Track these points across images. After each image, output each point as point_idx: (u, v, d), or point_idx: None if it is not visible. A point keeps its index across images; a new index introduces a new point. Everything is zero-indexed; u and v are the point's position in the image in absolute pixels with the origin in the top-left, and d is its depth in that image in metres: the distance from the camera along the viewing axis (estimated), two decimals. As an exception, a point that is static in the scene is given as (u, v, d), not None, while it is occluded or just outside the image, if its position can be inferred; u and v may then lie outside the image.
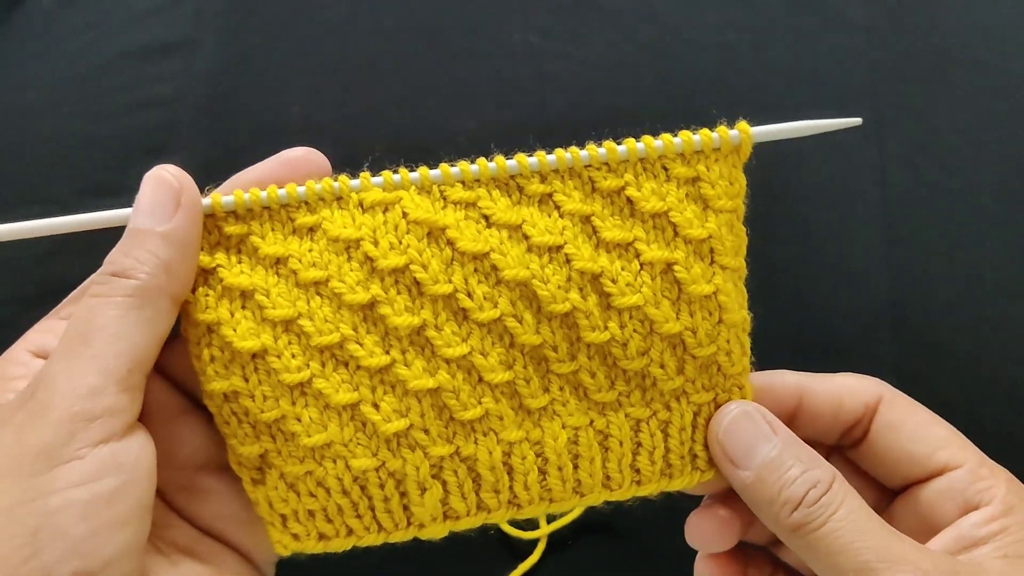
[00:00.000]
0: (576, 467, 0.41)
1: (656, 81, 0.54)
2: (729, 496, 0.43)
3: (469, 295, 0.39)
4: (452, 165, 0.40)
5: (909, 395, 0.44)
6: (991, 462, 0.42)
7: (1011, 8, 0.55)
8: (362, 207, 0.40)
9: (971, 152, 0.54)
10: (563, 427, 0.41)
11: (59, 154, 0.55)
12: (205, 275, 0.40)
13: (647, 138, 0.40)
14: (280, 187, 0.40)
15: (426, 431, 0.40)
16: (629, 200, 0.40)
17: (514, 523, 0.53)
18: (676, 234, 0.41)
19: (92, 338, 0.36)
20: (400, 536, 0.41)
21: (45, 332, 0.41)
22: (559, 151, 0.40)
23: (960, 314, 0.52)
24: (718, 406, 0.42)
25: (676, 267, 0.40)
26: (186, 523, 0.41)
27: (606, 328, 0.40)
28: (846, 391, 0.43)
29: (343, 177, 0.40)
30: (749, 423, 0.41)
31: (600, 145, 0.40)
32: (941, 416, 0.43)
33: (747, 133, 0.41)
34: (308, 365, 0.39)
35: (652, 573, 0.53)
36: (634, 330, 0.40)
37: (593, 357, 0.41)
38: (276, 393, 0.39)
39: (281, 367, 0.39)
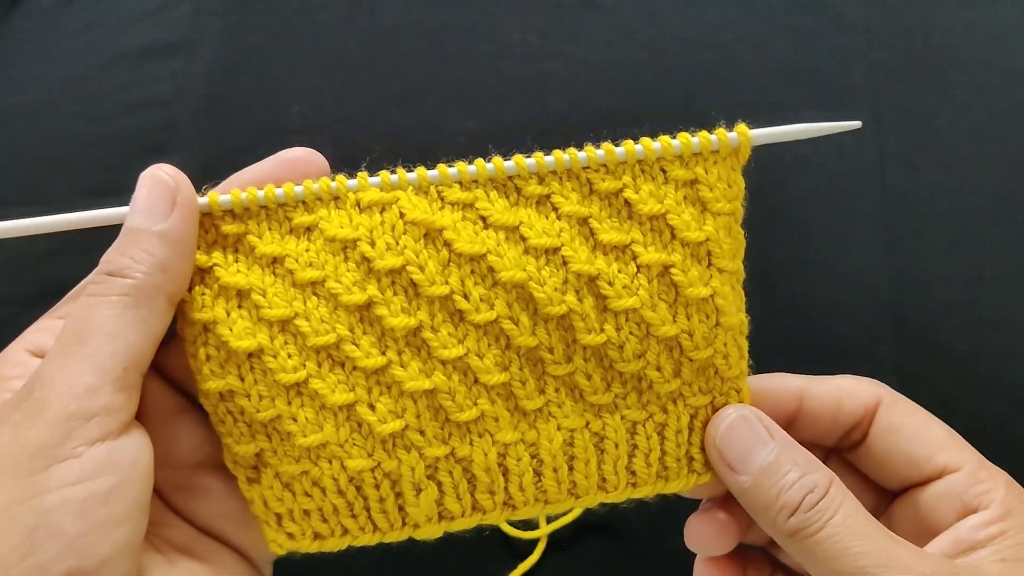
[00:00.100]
0: (571, 469, 0.41)
1: (655, 81, 0.54)
2: (728, 499, 0.43)
3: (466, 297, 0.39)
4: (450, 166, 0.40)
5: (909, 395, 0.44)
6: (990, 465, 0.42)
7: (1010, 8, 0.55)
8: (359, 207, 0.40)
9: (971, 152, 0.53)
10: (559, 429, 0.41)
11: (58, 154, 0.55)
12: (202, 274, 0.40)
13: (645, 140, 0.40)
14: (278, 187, 0.40)
15: (422, 432, 0.40)
16: (627, 202, 0.40)
17: (514, 523, 0.53)
18: (673, 236, 0.40)
19: (88, 337, 0.36)
20: (395, 536, 0.41)
21: (42, 331, 0.41)
22: (557, 152, 0.40)
23: (960, 314, 0.52)
24: (715, 409, 0.42)
25: (673, 270, 0.40)
26: (183, 522, 0.41)
27: (602, 330, 0.40)
28: (845, 394, 0.43)
29: (340, 177, 0.40)
30: (746, 428, 0.41)
31: (598, 147, 0.40)
32: (941, 416, 0.43)
33: (746, 136, 0.41)
34: (304, 365, 0.39)
35: (651, 573, 0.53)
36: (630, 333, 0.40)
37: (589, 359, 0.41)
38: (272, 393, 0.39)
39: (277, 367, 0.39)
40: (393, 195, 0.40)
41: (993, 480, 0.40)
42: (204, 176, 0.41)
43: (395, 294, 0.39)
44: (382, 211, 0.40)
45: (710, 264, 0.41)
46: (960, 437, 0.42)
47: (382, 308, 0.39)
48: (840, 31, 0.55)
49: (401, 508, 0.41)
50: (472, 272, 0.40)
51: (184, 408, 0.42)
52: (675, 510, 0.46)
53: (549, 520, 0.53)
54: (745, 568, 0.45)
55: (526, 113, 0.54)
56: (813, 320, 0.53)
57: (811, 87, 0.54)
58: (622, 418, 0.41)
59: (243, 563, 0.42)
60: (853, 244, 0.53)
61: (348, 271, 0.39)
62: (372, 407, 0.39)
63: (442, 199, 0.40)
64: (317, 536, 0.41)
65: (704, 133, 0.40)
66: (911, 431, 0.42)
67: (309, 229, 0.40)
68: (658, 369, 0.41)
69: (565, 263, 0.40)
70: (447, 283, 0.39)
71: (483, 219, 0.40)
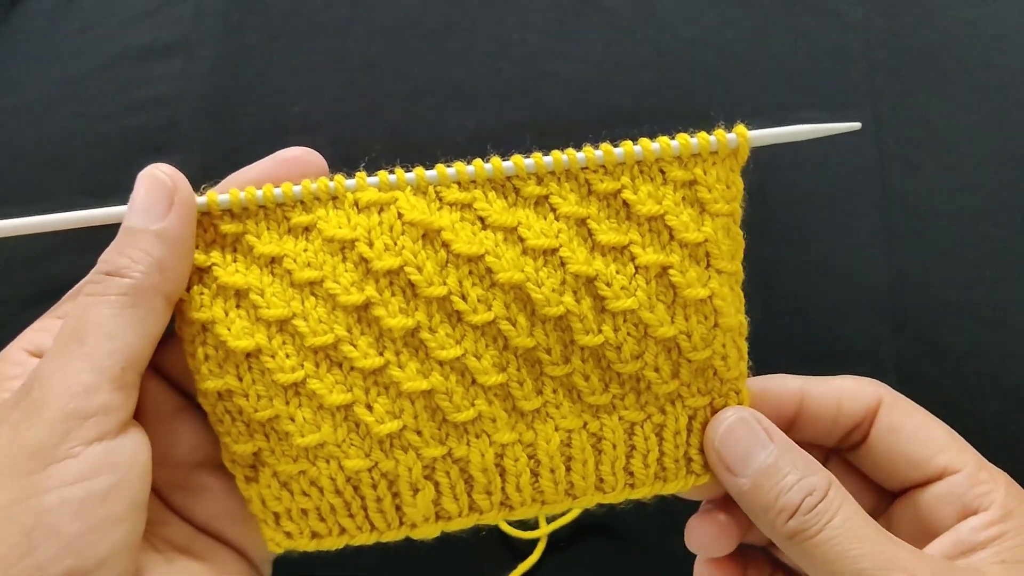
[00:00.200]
0: (569, 469, 0.41)
1: (655, 80, 0.54)
2: (728, 501, 0.43)
3: (463, 297, 0.39)
4: (448, 166, 0.40)
5: (909, 395, 0.44)
6: (990, 466, 0.41)
7: (1010, 8, 0.55)
8: (357, 207, 0.40)
9: (971, 152, 0.53)
10: (556, 429, 0.41)
11: (58, 154, 0.55)
12: (200, 274, 0.40)
13: (644, 141, 0.40)
14: (276, 186, 0.40)
15: (419, 432, 0.40)
16: (625, 203, 0.40)
17: (514, 523, 0.53)
18: (672, 238, 0.40)
19: (86, 336, 0.36)
20: (392, 536, 0.41)
21: (41, 331, 0.41)
22: (556, 153, 0.40)
23: (960, 314, 0.52)
24: (714, 410, 0.42)
25: (671, 271, 0.40)
26: (182, 521, 0.41)
27: (600, 331, 0.40)
28: (846, 394, 0.43)
29: (339, 177, 0.40)
30: (745, 430, 0.41)
31: (597, 147, 0.40)
32: (941, 416, 0.43)
33: (745, 137, 0.41)
34: (302, 365, 0.39)
35: (651, 573, 0.53)
36: (628, 334, 0.40)
37: (587, 360, 0.41)
38: (270, 393, 0.39)
39: (275, 367, 0.39)
40: (391, 195, 0.40)
41: (993, 481, 0.40)
42: (204, 176, 0.41)
43: (393, 295, 0.39)
44: (380, 211, 0.40)
45: (708, 265, 0.41)
46: (960, 438, 0.42)
47: (380, 309, 0.39)
48: (840, 31, 0.55)
49: (398, 508, 0.41)
50: (470, 273, 0.40)
51: (183, 407, 0.42)
52: (674, 510, 0.46)
53: (549, 520, 0.53)
54: (745, 568, 0.45)
55: (525, 113, 0.54)
56: (813, 320, 0.53)
57: (811, 87, 0.54)
58: (620, 419, 0.41)
59: (242, 562, 0.42)
60: (853, 244, 0.53)
61: (346, 271, 0.39)
62: (370, 407, 0.40)
63: (440, 199, 0.40)
64: (315, 535, 0.41)
65: (703, 134, 0.40)
66: (911, 432, 0.42)
67: (307, 229, 0.40)
68: (656, 370, 0.41)
69: (563, 264, 0.40)
70: (445, 284, 0.39)
71: (481, 220, 0.40)
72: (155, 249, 0.38)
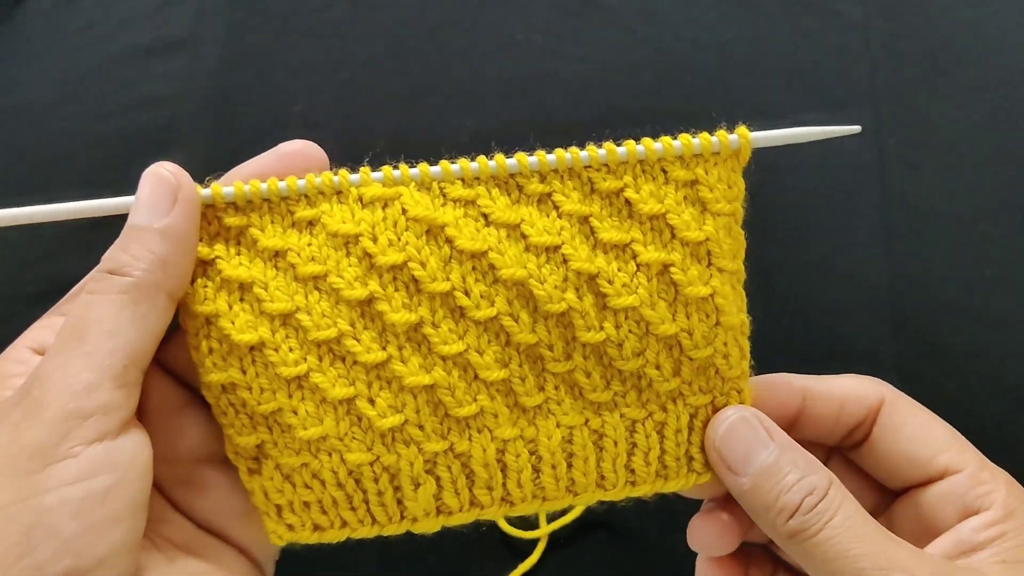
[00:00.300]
0: (570, 466, 0.41)
1: (656, 80, 0.54)
2: (730, 500, 0.43)
3: (466, 293, 0.40)
4: (452, 162, 0.40)
5: (910, 394, 0.44)
6: (992, 465, 0.41)
7: (1009, 7, 0.55)
8: (361, 202, 0.40)
9: (971, 152, 0.54)
10: (557, 426, 0.41)
11: (61, 152, 0.56)
12: (204, 266, 0.40)
13: (647, 140, 0.40)
14: (280, 180, 0.40)
15: (421, 427, 0.40)
16: (627, 201, 0.41)
17: (514, 523, 0.53)
18: (673, 236, 0.41)
19: (87, 335, 0.36)
20: (393, 530, 0.41)
21: (45, 329, 0.41)
22: (559, 151, 0.40)
23: (960, 314, 0.52)
24: (716, 409, 0.42)
25: (673, 269, 0.40)
26: (185, 519, 0.41)
27: (602, 328, 0.40)
28: (848, 393, 0.43)
29: (343, 171, 0.40)
30: (746, 429, 0.41)
31: (600, 146, 0.40)
32: (941, 415, 0.43)
33: (746, 138, 0.41)
34: (305, 359, 0.39)
35: (652, 572, 0.53)
36: (630, 331, 0.40)
37: (589, 357, 0.41)
38: (273, 386, 0.39)
39: (278, 360, 0.39)
40: (395, 191, 0.40)
41: (995, 481, 0.40)
42: (205, 175, 0.41)
43: (396, 290, 0.40)
44: (384, 207, 0.40)
45: (710, 264, 0.41)
46: (962, 437, 0.42)
47: (383, 303, 0.39)
48: (840, 31, 0.55)
49: (400, 502, 0.41)
50: (473, 269, 0.40)
51: (188, 403, 0.42)
52: (675, 509, 0.46)
53: (549, 520, 0.53)
54: (747, 566, 0.45)
55: (527, 112, 0.54)
56: (813, 320, 0.53)
57: (811, 87, 0.54)
58: (621, 416, 0.41)
59: (245, 561, 0.42)
60: (853, 244, 0.53)
61: (350, 266, 0.39)
62: (372, 401, 0.40)
63: (444, 195, 0.40)
64: (317, 528, 0.41)
65: (705, 135, 0.40)
66: (913, 431, 0.42)
67: (311, 223, 0.40)
68: (657, 368, 0.41)
69: (565, 261, 0.40)
70: (448, 279, 0.40)
71: (484, 216, 0.40)
72: (158, 246, 0.38)
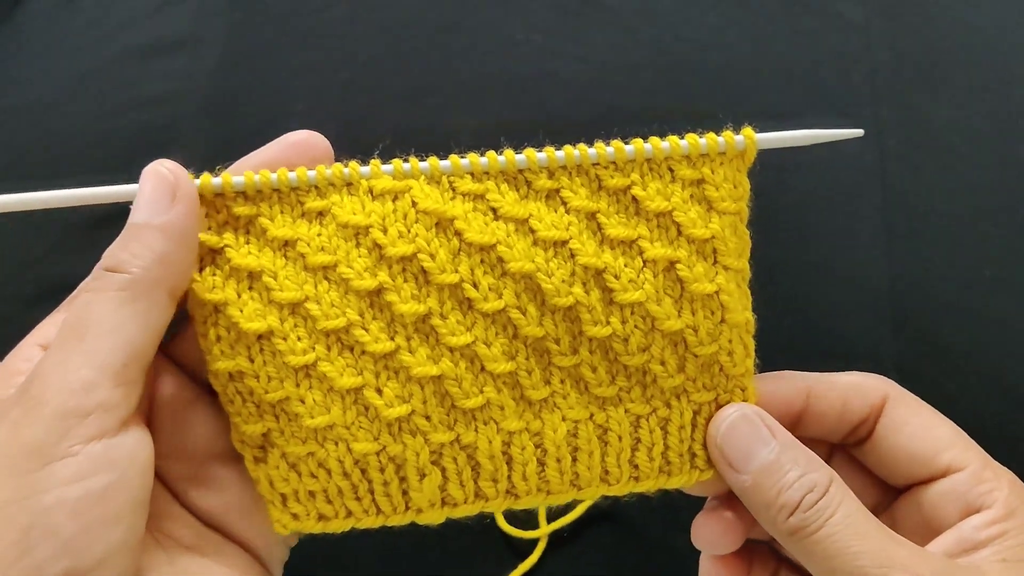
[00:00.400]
0: (575, 460, 0.42)
1: (656, 80, 0.55)
2: (733, 498, 0.43)
3: (475, 285, 0.40)
4: (462, 157, 0.41)
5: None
6: (995, 464, 0.42)
7: (1009, 8, 0.56)
8: (372, 194, 0.40)
9: (971, 152, 0.54)
10: (563, 419, 0.41)
11: (61, 152, 0.56)
12: (213, 255, 0.40)
13: (654, 139, 0.41)
14: (291, 171, 0.40)
15: (427, 417, 0.40)
16: (634, 199, 0.41)
17: (515, 523, 0.53)
18: (679, 233, 0.41)
19: (86, 332, 0.35)
20: (398, 520, 0.41)
21: (53, 326, 0.40)
22: (568, 148, 0.41)
23: (960, 314, 0.53)
24: (719, 406, 0.42)
25: (679, 265, 0.41)
26: (192, 518, 0.41)
27: (608, 323, 0.41)
28: (852, 391, 0.43)
29: (353, 164, 0.40)
30: (747, 426, 0.41)
31: (608, 144, 0.41)
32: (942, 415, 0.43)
33: (752, 139, 0.41)
34: (313, 348, 0.39)
35: (653, 572, 0.53)
36: (635, 326, 0.41)
37: (595, 351, 0.41)
38: (281, 374, 0.39)
39: (287, 349, 0.39)
40: (405, 184, 0.40)
41: (997, 480, 0.41)
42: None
43: (405, 281, 0.40)
44: (394, 199, 0.40)
45: (715, 261, 0.41)
46: (966, 435, 0.42)
47: (392, 294, 0.40)
48: (841, 33, 0.56)
49: (405, 492, 0.41)
50: (482, 262, 0.40)
51: (199, 398, 0.42)
52: (677, 507, 0.46)
53: (550, 519, 0.53)
54: (750, 563, 0.45)
55: (527, 112, 0.54)
56: (814, 320, 0.54)
57: (812, 88, 0.55)
58: (626, 411, 0.42)
59: (252, 561, 0.41)
60: (853, 244, 0.54)
61: (359, 257, 0.40)
62: (379, 391, 0.40)
63: (453, 189, 0.40)
64: (321, 517, 0.41)
65: (711, 135, 0.41)
66: (916, 429, 0.42)
67: (321, 214, 0.40)
68: (662, 363, 0.41)
69: (573, 256, 0.40)
70: (457, 272, 0.40)
71: (493, 210, 0.40)
72: (157, 243, 0.37)
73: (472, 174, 0.41)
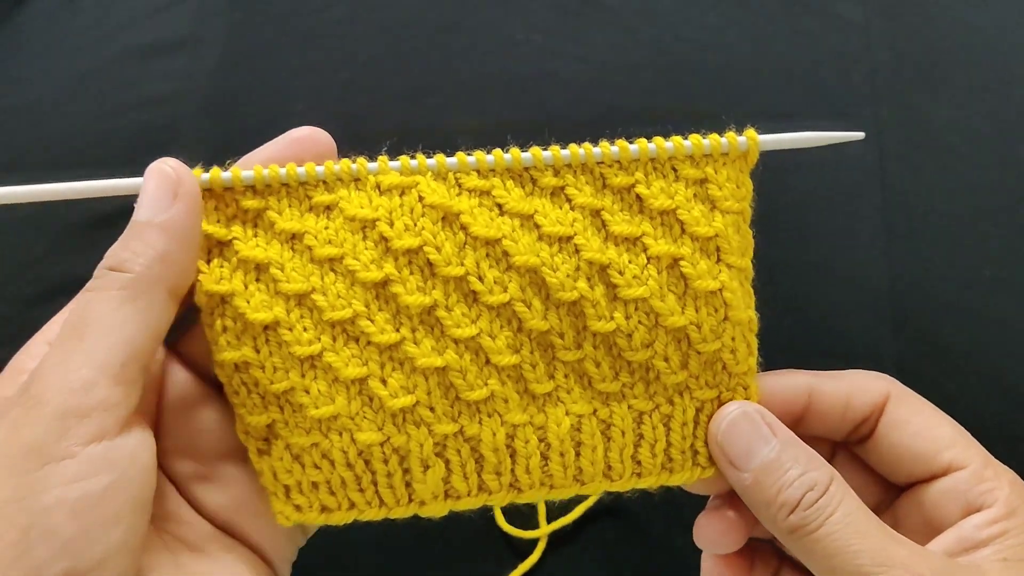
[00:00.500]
0: (578, 455, 0.42)
1: (656, 80, 0.55)
2: (735, 497, 0.43)
3: (480, 278, 0.40)
4: (468, 154, 0.41)
5: None
6: (997, 463, 0.42)
7: (1010, 8, 0.56)
8: (379, 189, 0.41)
9: (971, 152, 0.55)
10: (567, 414, 0.41)
11: (61, 152, 0.56)
12: (220, 247, 0.40)
13: (658, 139, 0.41)
14: (299, 166, 0.40)
15: (432, 409, 0.40)
16: (638, 197, 0.41)
17: (514, 522, 0.53)
18: (683, 231, 0.41)
19: (86, 332, 0.35)
20: (401, 512, 0.41)
21: (61, 324, 0.40)
22: (572, 146, 0.41)
23: (960, 314, 0.53)
24: (722, 404, 0.42)
25: (682, 262, 0.41)
26: (199, 518, 0.40)
27: (612, 318, 0.41)
28: (854, 389, 0.43)
29: (361, 159, 0.41)
30: (748, 424, 0.41)
31: (612, 143, 0.41)
32: None
33: (755, 140, 0.42)
34: (319, 339, 0.40)
35: (654, 572, 0.53)
36: (639, 322, 0.41)
37: (599, 347, 0.41)
38: (286, 365, 0.40)
39: (292, 340, 0.39)
40: (412, 179, 0.41)
41: (998, 479, 0.41)
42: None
43: (411, 273, 0.40)
44: (401, 194, 0.41)
45: (719, 259, 0.42)
46: (968, 434, 0.42)
47: (398, 286, 0.40)
48: (841, 33, 0.56)
49: (408, 484, 0.41)
50: (487, 255, 0.40)
51: (208, 396, 0.42)
52: (678, 505, 0.46)
53: (549, 520, 0.53)
54: (752, 561, 0.45)
55: (528, 112, 0.55)
56: (814, 320, 0.54)
57: (811, 88, 0.55)
58: (629, 407, 0.42)
59: (258, 562, 0.41)
60: (853, 244, 0.54)
61: (366, 249, 0.40)
62: (384, 382, 0.40)
63: (460, 186, 0.41)
64: (324, 509, 0.41)
65: (715, 136, 0.41)
66: (918, 427, 0.42)
67: (329, 208, 0.40)
68: (665, 360, 0.41)
69: (577, 251, 0.41)
70: (462, 264, 0.40)
71: (499, 206, 0.41)
72: (158, 242, 0.37)
73: (478, 171, 0.41)
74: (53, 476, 0.33)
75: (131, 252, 0.37)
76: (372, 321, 0.40)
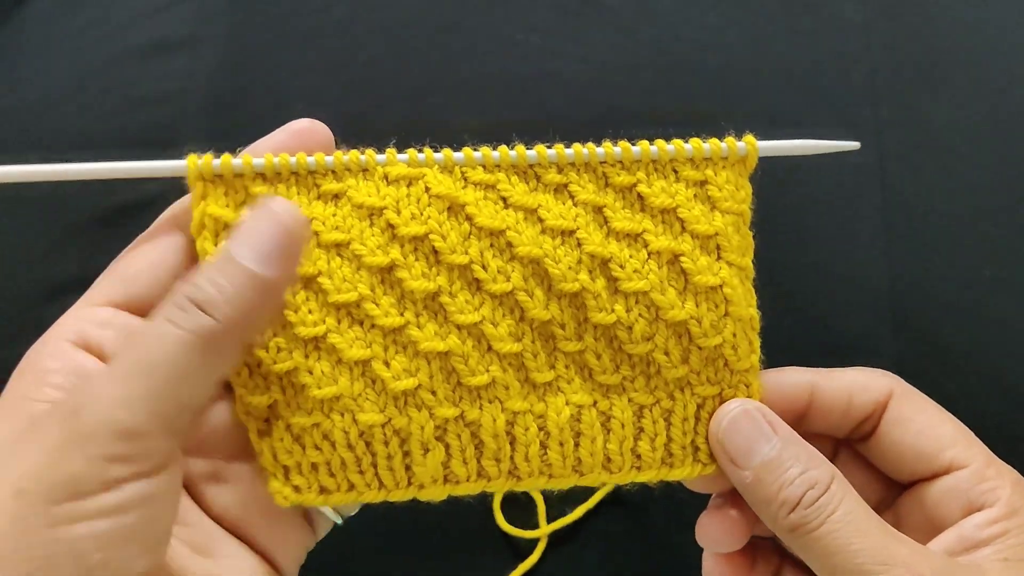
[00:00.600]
0: (577, 445, 0.42)
1: (656, 80, 0.56)
2: (737, 496, 0.43)
3: (484, 267, 0.41)
4: (475, 150, 0.42)
5: None
6: (999, 462, 0.42)
7: (1010, 8, 0.57)
8: (387, 180, 0.42)
9: (971, 152, 0.55)
10: (567, 403, 0.42)
11: (63, 151, 0.56)
12: (227, 230, 0.40)
13: (660, 142, 0.42)
14: (310, 155, 0.41)
15: (433, 392, 0.41)
16: (640, 196, 0.42)
17: (514, 522, 0.53)
18: (684, 229, 0.42)
19: (152, 373, 0.33)
20: (400, 495, 0.41)
21: (84, 320, 0.38)
22: (576, 146, 0.42)
23: (960, 314, 0.53)
24: (723, 401, 0.43)
25: (683, 258, 0.42)
26: (207, 520, 0.40)
27: (613, 310, 0.41)
28: (857, 386, 0.43)
29: (370, 151, 0.42)
30: (749, 422, 0.41)
31: (615, 144, 0.42)
32: None
33: (754, 146, 0.43)
34: (324, 321, 0.40)
35: (654, 572, 0.52)
36: (640, 314, 0.42)
37: (599, 339, 0.42)
38: (290, 346, 0.40)
39: (297, 321, 0.40)
40: (420, 171, 0.42)
41: (1000, 478, 0.40)
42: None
43: (417, 259, 0.41)
44: (409, 185, 0.41)
45: (719, 257, 0.42)
46: (971, 433, 0.42)
47: (403, 271, 0.41)
48: (840, 32, 0.57)
49: (408, 467, 0.41)
50: (491, 245, 0.41)
51: (221, 395, 0.41)
52: (679, 503, 0.45)
53: (549, 520, 0.52)
54: (754, 559, 0.45)
55: (528, 112, 0.55)
56: (814, 321, 0.54)
57: (811, 88, 0.56)
58: (629, 400, 0.42)
59: (265, 566, 0.40)
60: (853, 244, 0.54)
61: (372, 236, 0.41)
62: (387, 364, 0.40)
63: (465, 179, 0.42)
64: (323, 490, 0.41)
65: (715, 140, 0.42)
66: (920, 426, 0.42)
67: (337, 196, 0.41)
68: (666, 353, 0.42)
69: (580, 244, 0.41)
70: (467, 253, 0.41)
71: (504, 200, 0.42)
72: (252, 296, 0.35)
73: (484, 166, 0.42)
74: (87, 507, 0.32)
75: (219, 292, 0.35)
76: (377, 304, 0.41)
